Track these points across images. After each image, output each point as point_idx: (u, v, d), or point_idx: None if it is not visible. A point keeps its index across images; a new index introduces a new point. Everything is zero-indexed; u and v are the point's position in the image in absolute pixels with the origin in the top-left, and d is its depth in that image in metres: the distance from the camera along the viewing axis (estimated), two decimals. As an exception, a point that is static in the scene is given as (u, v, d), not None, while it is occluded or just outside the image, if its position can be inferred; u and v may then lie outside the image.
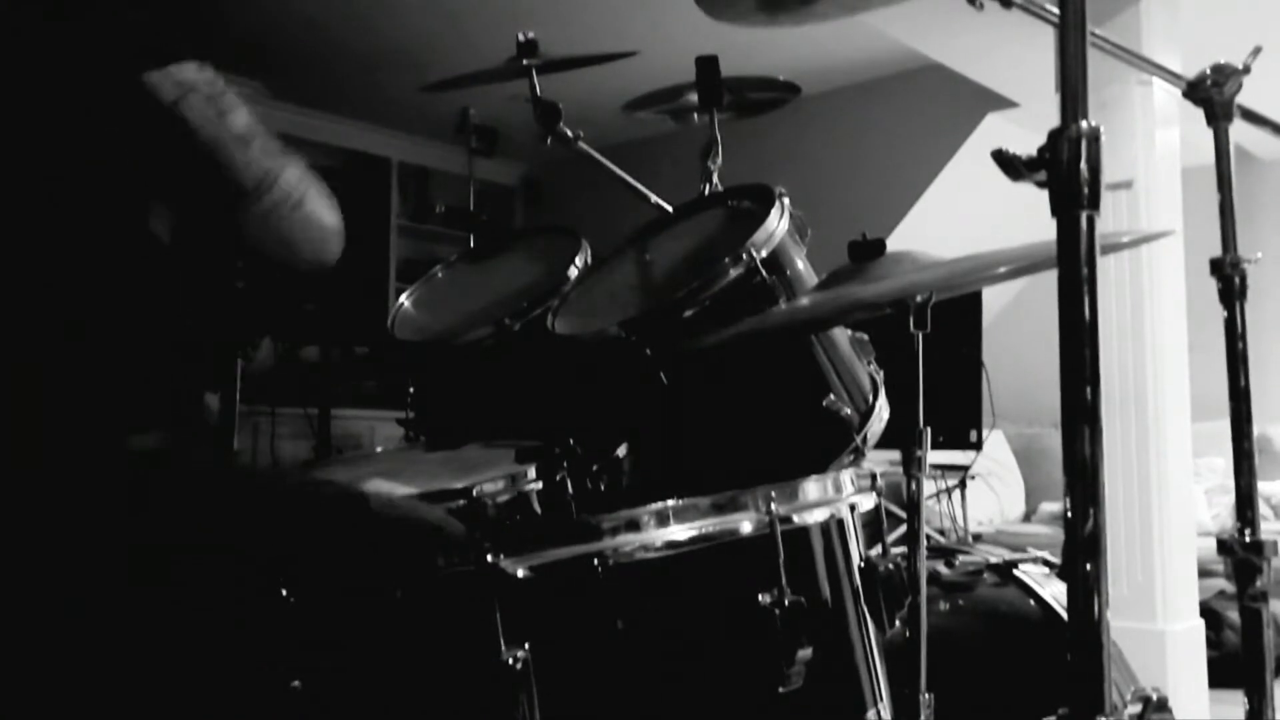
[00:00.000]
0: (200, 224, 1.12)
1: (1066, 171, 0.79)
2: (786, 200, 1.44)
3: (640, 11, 4.42)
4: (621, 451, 1.44)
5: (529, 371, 1.58)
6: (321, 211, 1.12)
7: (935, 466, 3.83)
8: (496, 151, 4.65)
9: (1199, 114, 1.49)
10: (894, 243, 1.30)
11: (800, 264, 1.45)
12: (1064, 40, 0.82)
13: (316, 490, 1.28)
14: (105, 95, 1.07)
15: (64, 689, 1.02)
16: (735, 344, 1.32)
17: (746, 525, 1.09)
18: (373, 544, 1.15)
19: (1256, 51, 1.48)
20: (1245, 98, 1.49)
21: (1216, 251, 1.47)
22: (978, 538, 4.54)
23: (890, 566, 1.21)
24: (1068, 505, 0.78)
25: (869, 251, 1.31)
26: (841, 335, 1.48)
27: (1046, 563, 1.69)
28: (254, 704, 1.06)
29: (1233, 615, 2.01)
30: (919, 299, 1.22)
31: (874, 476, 1.30)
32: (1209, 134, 1.49)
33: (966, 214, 5.13)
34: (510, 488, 1.44)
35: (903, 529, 1.27)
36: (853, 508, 1.23)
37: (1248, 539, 1.43)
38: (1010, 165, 0.81)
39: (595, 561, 1.03)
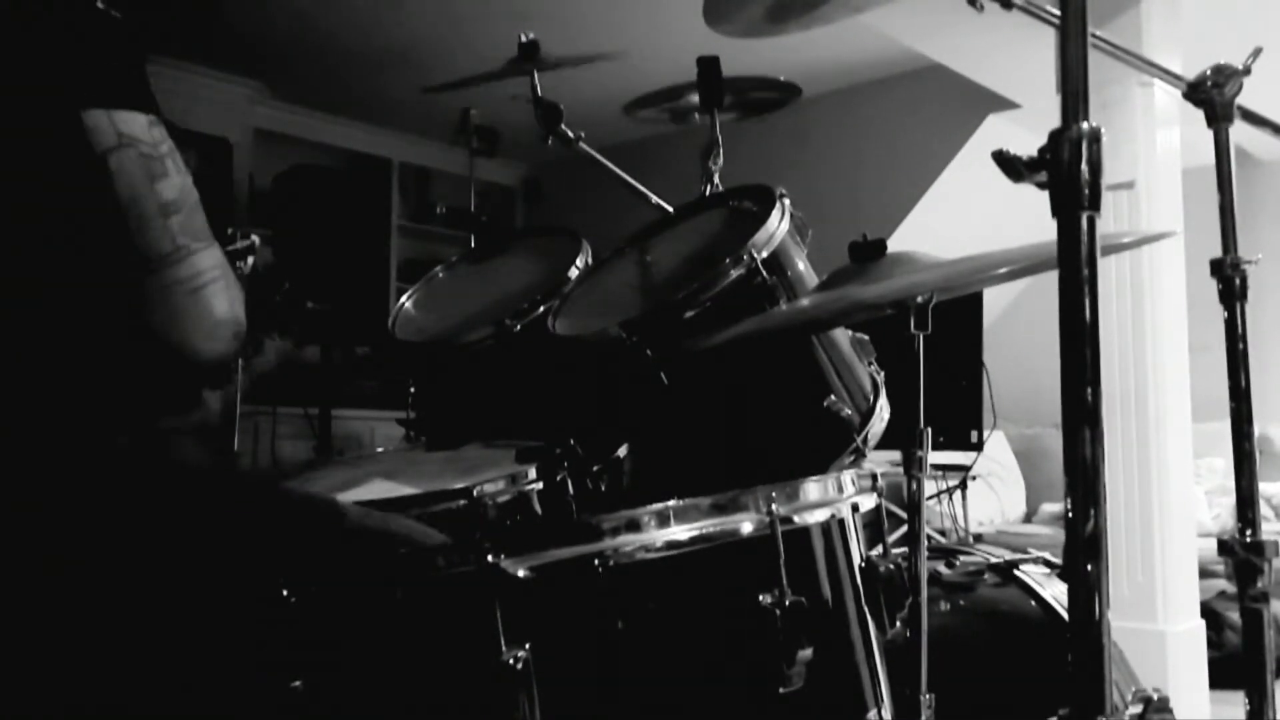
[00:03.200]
0: (95, 279, 1.08)
1: (1067, 172, 0.79)
2: (787, 201, 1.44)
3: (641, 12, 4.42)
4: (622, 452, 1.44)
5: (529, 372, 1.58)
6: (219, 303, 1.08)
7: (936, 467, 3.83)
8: (497, 152, 4.66)
9: (1199, 115, 1.49)
10: (895, 243, 1.30)
11: (801, 265, 1.45)
12: (1065, 41, 0.82)
13: (289, 500, 1.27)
14: (42, 118, 1.04)
15: (63, 690, 1.02)
16: (736, 345, 1.32)
17: (747, 526, 1.09)
18: (348, 555, 1.15)
19: (1257, 53, 1.48)
20: (1245, 99, 1.49)
21: (1217, 252, 1.48)
22: (978, 538, 4.54)
23: (891, 567, 1.21)
24: (1068, 506, 0.78)
25: (870, 252, 1.31)
26: (842, 336, 1.48)
27: (1047, 563, 1.69)
28: (254, 704, 1.06)
29: (1234, 616, 2.01)
30: (920, 300, 1.22)
31: (875, 477, 1.30)
32: (1209, 135, 1.49)
33: (967, 215, 5.14)
34: (511, 488, 1.44)
35: (903, 529, 1.27)
36: (854, 508, 1.23)
37: (1248, 539, 1.43)
38: (1011, 166, 0.81)
39: (596, 562, 1.03)
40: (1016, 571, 1.65)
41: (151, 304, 1.06)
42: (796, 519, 1.13)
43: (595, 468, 1.38)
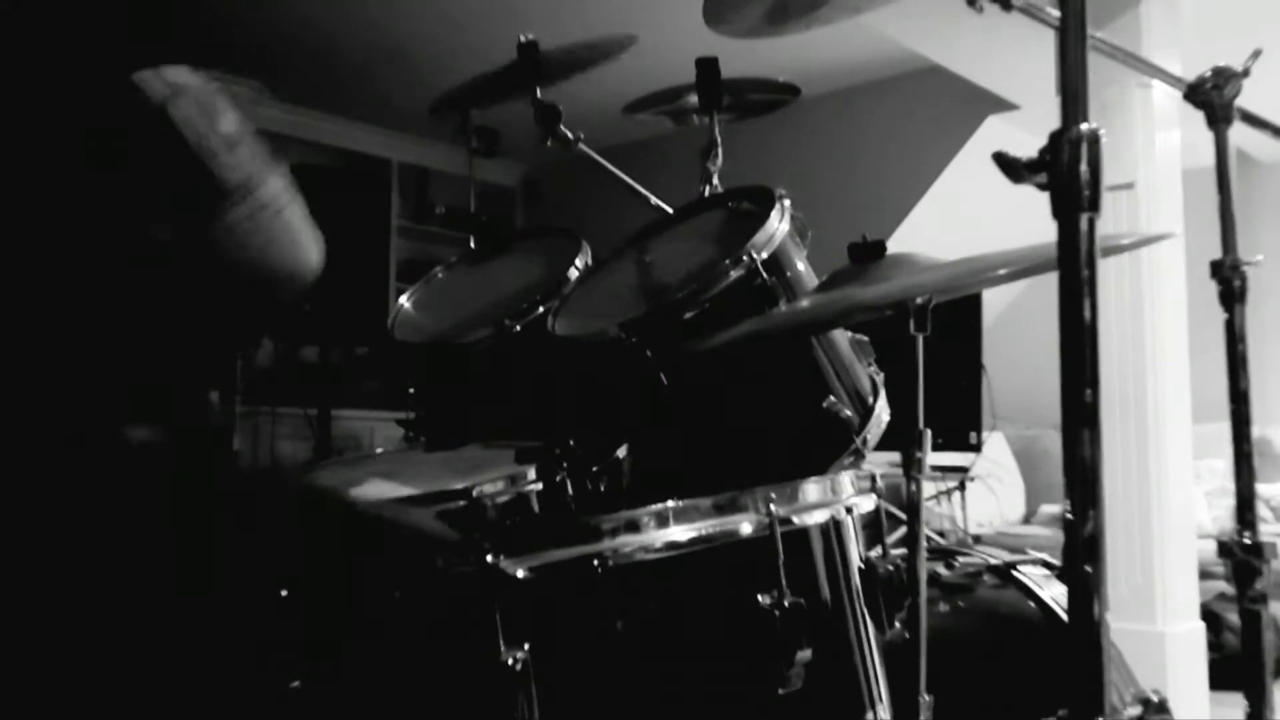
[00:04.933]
0: (185, 227, 1.11)
1: (1067, 174, 0.79)
2: (787, 202, 1.44)
3: (641, 13, 4.42)
4: (621, 453, 1.44)
5: (529, 372, 1.58)
6: (301, 222, 1.12)
7: (935, 468, 3.83)
8: (497, 152, 4.65)
9: (1199, 116, 1.49)
10: (894, 244, 1.30)
11: (801, 265, 1.45)
12: (1064, 43, 0.82)
13: (310, 496, 1.28)
14: (96, 89, 1.07)
15: (63, 686, 1.02)
16: (736, 346, 1.32)
17: (746, 526, 1.09)
18: (363, 548, 1.15)
19: (1256, 54, 1.48)
20: (1245, 100, 1.49)
21: (1217, 254, 1.48)
22: (977, 539, 4.54)
23: (890, 568, 1.21)
24: (1067, 507, 0.78)
25: (869, 253, 1.31)
26: (842, 337, 1.48)
27: (1046, 564, 1.69)
28: (254, 703, 1.06)
29: (1233, 617, 2.01)
30: (919, 301, 1.22)
31: (874, 478, 1.30)
32: (1209, 136, 1.49)
33: (967, 216, 5.13)
34: (510, 488, 1.44)
35: (902, 530, 1.27)
36: (852, 509, 1.23)
37: (1247, 541, 1.43)
38: (1011, 167, 0.82)
39: (595, 562, 1.03)
40: (1015, 572, 1.65)
41: (242, 237, 1.09)
42: (796, 520, 1.13)
43: (594, 468, 1.38)
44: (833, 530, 1.19)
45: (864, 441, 1.43)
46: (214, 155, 1.07)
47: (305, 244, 1.13)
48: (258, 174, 1.10)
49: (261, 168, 1.10)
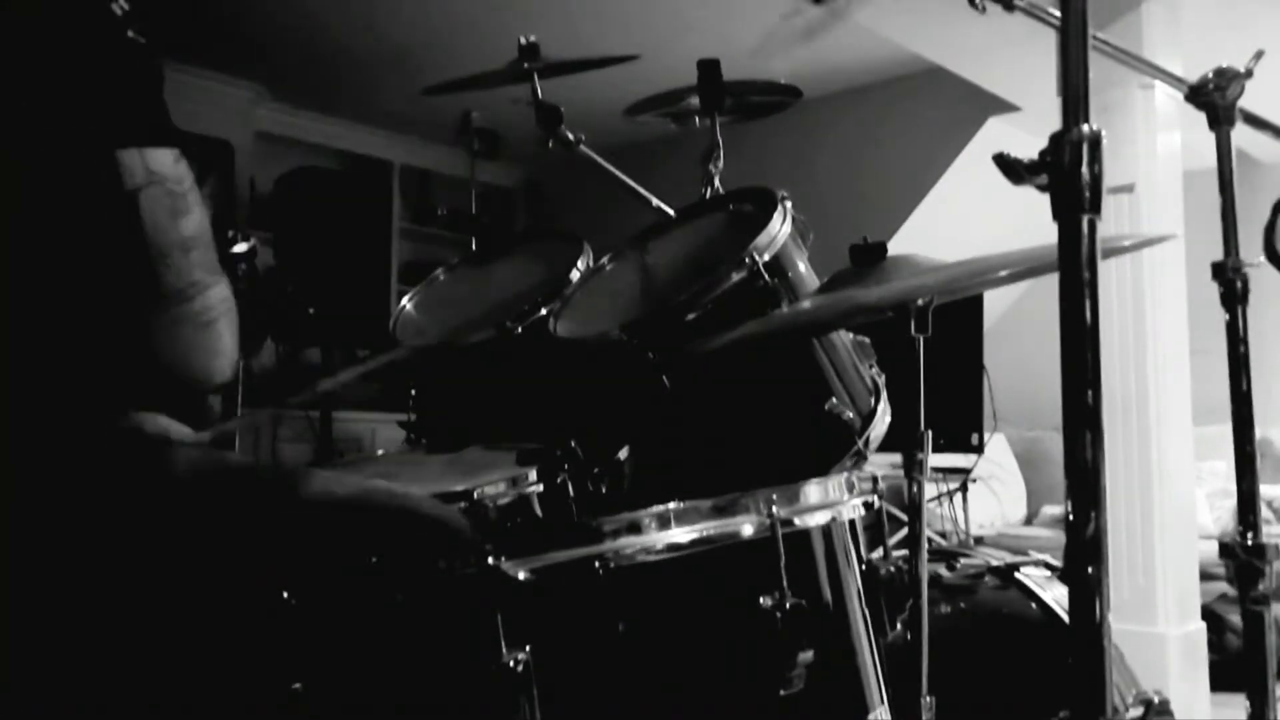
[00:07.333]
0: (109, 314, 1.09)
1: (1068, 175, 0.79)
2: (788, 204, 1.44)
3: (642, 15, 4.42)
4: (623, 454, 1.44)
5: (531, 374, 1.58)
6: (227, 336, 1.10)
7: (937, 469, 3.83)
8: (498, 154, 4.66)
9: (1201, 118, 1.49)
10: (895, 246, 1.30)
11: (802, 267, 1.46)
12: (1065, 44, 0.82)
13: (318, 486, 1.27)
14: (76, 158, 1.04)
15: (62, 689, 1.02)
16: (737, 347, 1.32)
17: (748, 528, 1.09)
18: (375, 538, 1.15)
19: (1258, 55, 1.48)
20: (1247, 101, 1.49)
21: (1218, 255, 1.48)
22: (979, 541, 4.54)
23: (892, 569, 1.21)
24: (1069, 508, 0.78)
25: (870, 255, 1.31)
26: (843, 339, 1.48)
27: (1048, 566, 1.69)
28: (255, 705, 1.06)
29: (1234, 619, 2.01)
30: (920, 302, 1.22)
31: (875, 479, 1.30)
32: (1211, 138, 1.49)
33: (968, 218, 5.14)
34: (511, 490, 1.44)
35: (904, 532, 1.27)
36: (855, 510, 1.23)
37: (1249, 542, 1.43)
38: (1012, 169, 0.81)
39: (596, 564, 1.03)
40: (1017, 574, 1.65)
41: (163, 337, 1.07)
42: (797, 521, 1.13)
43: (596, 470, 1.38)
44: (834, 531, 1.19)
45: (866, 443, 1.43)
46: (165, 256, 1.04)
47: (224, 359, 1.11)
48: (201, 282, 1.07)
49: (206, 276, 1.08)
